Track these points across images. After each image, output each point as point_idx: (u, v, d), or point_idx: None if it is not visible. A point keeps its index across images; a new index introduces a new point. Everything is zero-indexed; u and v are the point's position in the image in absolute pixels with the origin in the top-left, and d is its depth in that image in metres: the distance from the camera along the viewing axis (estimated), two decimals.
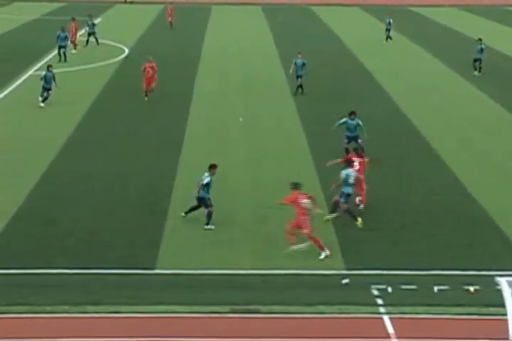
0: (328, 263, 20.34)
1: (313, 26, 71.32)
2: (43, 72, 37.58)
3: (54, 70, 37.71)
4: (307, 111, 37.00)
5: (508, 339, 14.36)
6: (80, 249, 21.05)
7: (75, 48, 53.17)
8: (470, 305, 18.13)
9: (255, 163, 29.21)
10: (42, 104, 36.87)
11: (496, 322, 16.77)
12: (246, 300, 18.20)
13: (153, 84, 38.35)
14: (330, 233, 22.28)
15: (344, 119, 29.13)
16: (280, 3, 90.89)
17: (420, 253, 21.13)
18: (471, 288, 18.91)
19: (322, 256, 20.60)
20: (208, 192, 22.34)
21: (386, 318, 17.57)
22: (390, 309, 17.94)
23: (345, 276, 19.52)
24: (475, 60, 47.33)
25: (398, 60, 52.99)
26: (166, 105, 37.65)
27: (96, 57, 50.98)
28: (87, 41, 55.75)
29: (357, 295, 18.54)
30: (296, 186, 21.00)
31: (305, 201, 20.61)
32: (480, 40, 47.83)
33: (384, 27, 61.75)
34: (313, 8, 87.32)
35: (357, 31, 67.34)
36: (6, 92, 40.45)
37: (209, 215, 22.32)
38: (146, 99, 38.03)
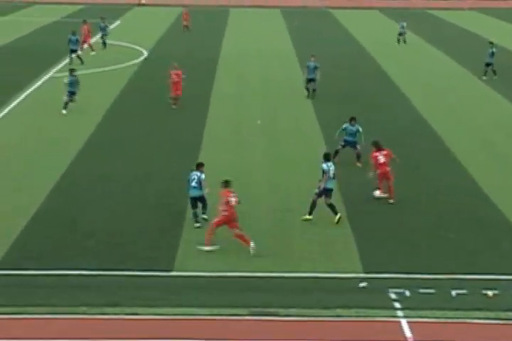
0: (346, 266, 20.37)
1: (331, 29, 71.32)
2: (67, 78, 36.65)
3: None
4: (325, 114, 37.01)
5: None
6: (99, 250, 21.14)
7: (92, 50, 53.32)
8: (488, 310, 18.07)
9: (273, 165, 29.22)
10: (64, 111, 35.94)
11: None
12: (265, 302, 18.24)
13: (179, 92, 37.65)
14: (348, 236, 22.32)
15: (345, 126, 29.21)
16: (299, 6, 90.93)
17: (438, 256, 21.08)
18: (490, 293, 18.86)
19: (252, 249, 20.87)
20: (200, 189, 22.87)
21: (404, 322, 17.56)
22: (408, 313, 17.92)
23: (362, 280, 19.53)
24: (487, 64, 46.19)
25: (415, 62, 52.96)
26: (184, 107, 37.70)
27: (114, 60, 51.14)
28: (104, 43, 55.95)
29: (374, 298, 18.54)
30: (226, 184, 21.54)
31: (233, 199, 21.16)
32: (491, 43, 47.21)
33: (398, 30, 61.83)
34: (333, 11, 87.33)
35: (375, 34, 67.31)
36: (26, 94, 40.66)
37: (206, 206, 23.11)
38: (174, 106, 37.51)
